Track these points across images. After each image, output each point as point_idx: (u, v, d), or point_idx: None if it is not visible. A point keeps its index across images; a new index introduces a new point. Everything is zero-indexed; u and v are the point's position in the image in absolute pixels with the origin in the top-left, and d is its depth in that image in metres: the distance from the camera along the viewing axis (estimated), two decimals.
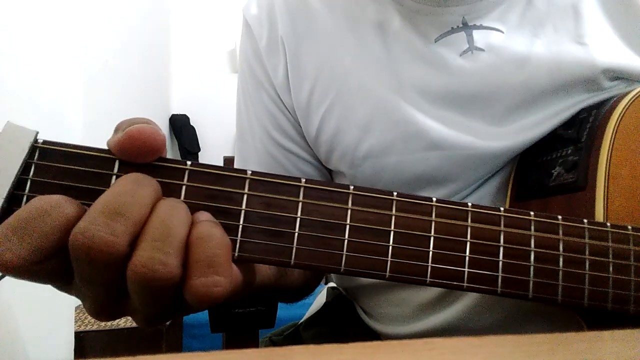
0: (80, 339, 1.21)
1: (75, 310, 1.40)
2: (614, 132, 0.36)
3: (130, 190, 0.23)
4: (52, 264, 0.23)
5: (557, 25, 0.44)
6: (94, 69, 1.62)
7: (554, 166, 0.39)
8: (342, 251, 0.27)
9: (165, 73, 3.04)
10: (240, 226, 0.26)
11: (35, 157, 0.25)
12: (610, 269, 0.30)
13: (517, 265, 0.28)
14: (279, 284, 0.41)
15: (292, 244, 0.26)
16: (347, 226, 0.27)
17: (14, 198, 0.24)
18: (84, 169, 0.25)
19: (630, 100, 0.38)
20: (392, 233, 0.27)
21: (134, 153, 0.25)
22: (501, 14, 0.44)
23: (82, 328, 1.31)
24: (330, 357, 0.22)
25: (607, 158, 0.35)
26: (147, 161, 0.26)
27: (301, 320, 0.66)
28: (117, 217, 0.22)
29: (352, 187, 0.28)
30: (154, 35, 2.75)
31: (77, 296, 0.25)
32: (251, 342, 0.63)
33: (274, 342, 0.66)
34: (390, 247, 0.27)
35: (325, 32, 0.47)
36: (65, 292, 0.25)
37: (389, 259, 0.27)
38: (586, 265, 0.29)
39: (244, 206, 0.26)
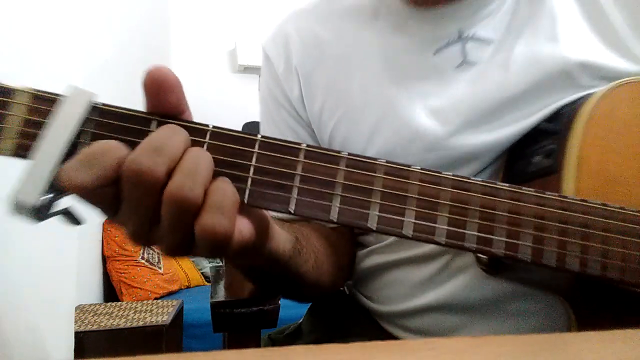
0: (80, 339, 1.21)
1: (76, 310, 1.40)
2: (587, 119, 0.40)
3: (168, 135, 0.29)
4: (107, 190, 0.29)
5: (535, 28, 0.48)
6: (94, 68, 1.62)
7: (534, 155, 0.43)
8: (335, 204, 0.32)
9: None
10: (250, 178, 0.31)
11: (92, 113, 0.31)
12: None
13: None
14: (292, 262, 0.44)
15: (293, 195, 0.32)
16: (340, 184, 0.32)
17: (75, 144, 0.30)
18: (128, 125, 0.31)
19: (605, 91, 0.41)
20: (378, 192, 0.33)
21: (155, 86, 0.30)
22: (491, 22, 0.49)
23: (82, 328, 1.31)
24: (330, 357, 0.22)
25: (579, 142, 0.39)
26: (170, 99, 0.31)
27: (301, 320, 0.66)
28: (158, 152, 0.28)
29: (346, 153, 0.33)
30: (154, 35, 2.75)
31: (120, 222, 0.31)
32: (253, 342, 0.63)
33: (273, 341, 0.66)
34: (374, 203, 0.32)
35: (333, 58, 0.54)
36: (112, 219, 0.31)
37: (374, 212, 0.32)
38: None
39: (253, 162, 0.32)
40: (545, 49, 0.47)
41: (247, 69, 3.20)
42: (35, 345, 0.77)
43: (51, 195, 0.30)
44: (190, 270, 2.20)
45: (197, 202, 0.28)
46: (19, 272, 0.74)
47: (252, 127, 3.18)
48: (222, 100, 3.16)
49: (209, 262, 2.39)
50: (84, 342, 1.25)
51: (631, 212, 0.35)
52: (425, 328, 0.51)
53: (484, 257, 0.42)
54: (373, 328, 0.56)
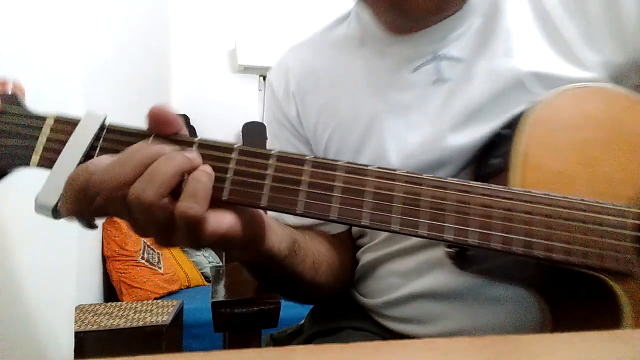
0: (80, 339, 1.21)
1: (76, 310, 1.40)
2: (532, 121, 0.45)
3: (137, 147, 0.36)
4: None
5: (494, 45, 0.54)
6: (94, 68, 1.62)
7: (492, 158, 0.48)
8: (302, 199, 0.37)
9: (165, 73, 3.04)
10: (230, 178, 0.38)
11: (102, 131, 0.39)
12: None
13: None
14: (288, 261, 0.49)
15: (265, 192, 0.37)
16: (306, 182, 0.38)
17: (88, 156, 0.38)
18: (130, 140, 0.38)
19: (549, 96, 0.46)
20: (338, 188, 0.38)
21: (155, 122, 0.38)
22: (461, 43, 0.56)
23: (82, 328, 1.31)
24: (330, 357, 0.22)
25: (524, 142, 0.44)
26: (168, 129, 0.38)
27: (303, 321, 0.67)
28: (122, 163, 0.35)
29: (311, 156, 0.38)
30: (154, 35, 2.75)
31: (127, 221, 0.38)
32: (253, 342, 0.63)
33: (275, 340, 0.67)
34: (334, 197, 0.38)
35: (326, 82, 0.63)
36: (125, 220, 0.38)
37: (335, 205, 0.38)
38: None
39: (232, 166, 0.38)
40: (501, 63, 0.52)
41: (247, 69, 3.20)
42: (35, 345, 0.77)
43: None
44: (190, 270, 2.20)
45: (151, 201, 0.34)
46: (18, 272, 0.74)
47: (252, 126, 3.18)
48: (222, 100, 3.16)
49: (209, 262, 2.39)
50: (84, 342, 1.25)
51: (574, 200, 0.39)
52: (410, 316, 0.56)
53: (452, 250, 0.46)
54: (367, 322, 0.61)
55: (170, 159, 0.35)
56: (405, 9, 0.52)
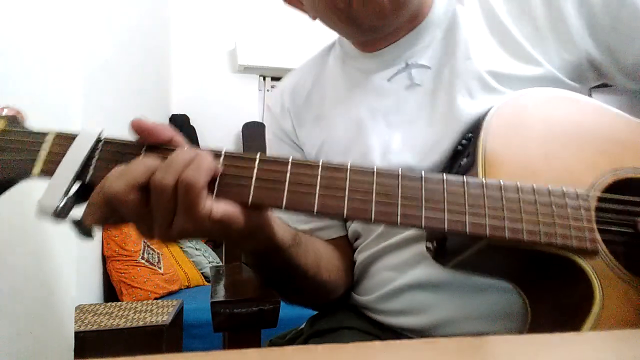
0: (80, 339, 1.21)
1: (76, 311, 1.40)
2: (491, 120, 0.48)
3: (140, 160, 0.40)
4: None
5: (455, 52, 0.61)
6: (94, 68, 1.62)
7: (463, 158, 0.52)
8: (283, 194, 0.41)
9: (165, 73, 3.03)
10: (217, 180, 0.41)
11: (99, 144, 0.43)
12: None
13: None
14: (292, 251, 0.52)
15: (251, 190, 0.41)
16: (287, 181, 0.41)
17: (87, 165, 0.42)
18: (124, 151, 0.42)
19: (508, 98, 0.51)
20: (318, 184, 0.42)
21: (137, 132, 0.42)
22: (428, 52, 0.63)
23: (82, 328, 1.30)
24: (330, 357, 0.22)
25: (484, 138, 0.47)
26: (154, 139, 0.42)
27: (303, 325, 0.68)
28: (126, 170, 0.39)
29: (291, 158, 0.42)
30: (154, 35, 2.75)
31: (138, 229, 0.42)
32: (253, 342, 0.63)
33: (274, 345, 0.67)
34: (315, 193, 0.41)
35: (315, 99, 0.72)
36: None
37: (316, 199, 0.41)
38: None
39: (220, 168, 0.41)
40: (462, 65, 0.59)
41: (247, 69, 3.20)
42: (35, 345, 0.77)
43: (65, 201, 0.40)
44: (190, 270, 2.20)
45: (166, 186, 0.38)
46: (19, 272, 0.74)
47: (251, 127, 3.18)
48: (222, 100, 3.16)
49: (209, 262, 2.39)
50: (84, 342, 1.25)
51: (538, 187, 0.42)
52: (402, 308, 0.58)
53: (430, 245, 0.49)
54: (361, 320, 0.63)
55: (186, 152, 0.40)
56: (354, 19, 0.59)
